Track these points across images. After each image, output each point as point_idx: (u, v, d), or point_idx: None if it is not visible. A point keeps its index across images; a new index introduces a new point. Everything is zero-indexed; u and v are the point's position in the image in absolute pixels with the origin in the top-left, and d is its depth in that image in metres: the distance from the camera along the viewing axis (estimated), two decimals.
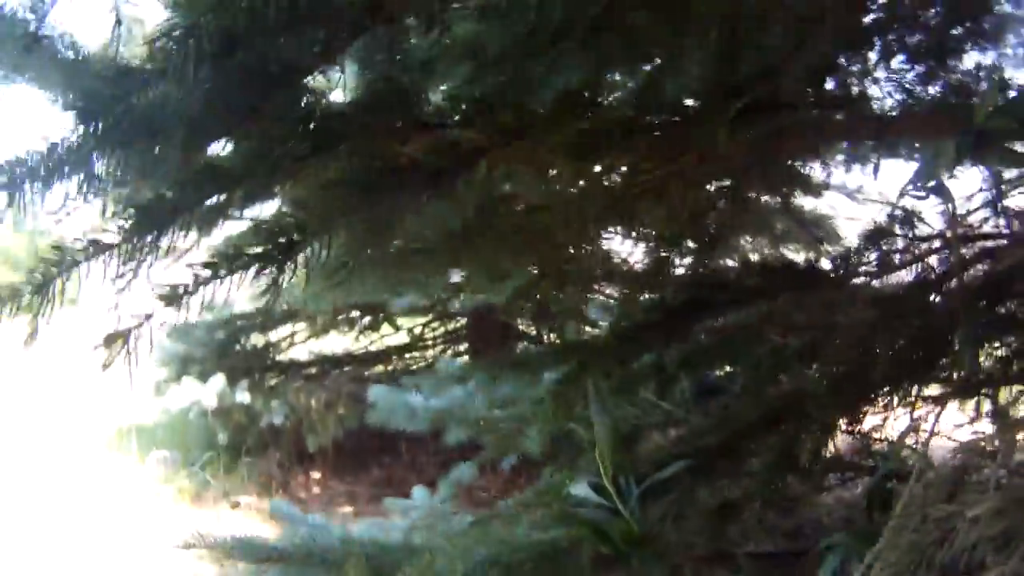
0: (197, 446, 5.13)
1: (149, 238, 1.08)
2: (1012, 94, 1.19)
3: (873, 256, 1.61)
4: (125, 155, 1.11)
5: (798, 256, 3.73)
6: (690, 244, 2.37)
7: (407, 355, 5.23)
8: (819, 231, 3.89)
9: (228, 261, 1.09)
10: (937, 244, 1.62)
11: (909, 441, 1.54)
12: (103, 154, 1.09)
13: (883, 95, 2.05)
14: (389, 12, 1.13)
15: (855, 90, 2.15)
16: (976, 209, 1.54)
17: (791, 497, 2.13)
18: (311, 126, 1.11)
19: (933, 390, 1.63)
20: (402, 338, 5.28)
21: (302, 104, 1.13)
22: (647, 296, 1.93)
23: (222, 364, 4.85)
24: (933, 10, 1.90)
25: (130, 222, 1.08)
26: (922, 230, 1.69)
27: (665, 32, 1.08)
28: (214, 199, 1.13)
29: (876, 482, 1.34)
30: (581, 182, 1.25)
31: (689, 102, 1.18)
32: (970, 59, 1.95)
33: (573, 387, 1.63)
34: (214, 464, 4.98)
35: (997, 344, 1.56)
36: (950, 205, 1.45)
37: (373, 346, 5.26)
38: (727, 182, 1.67)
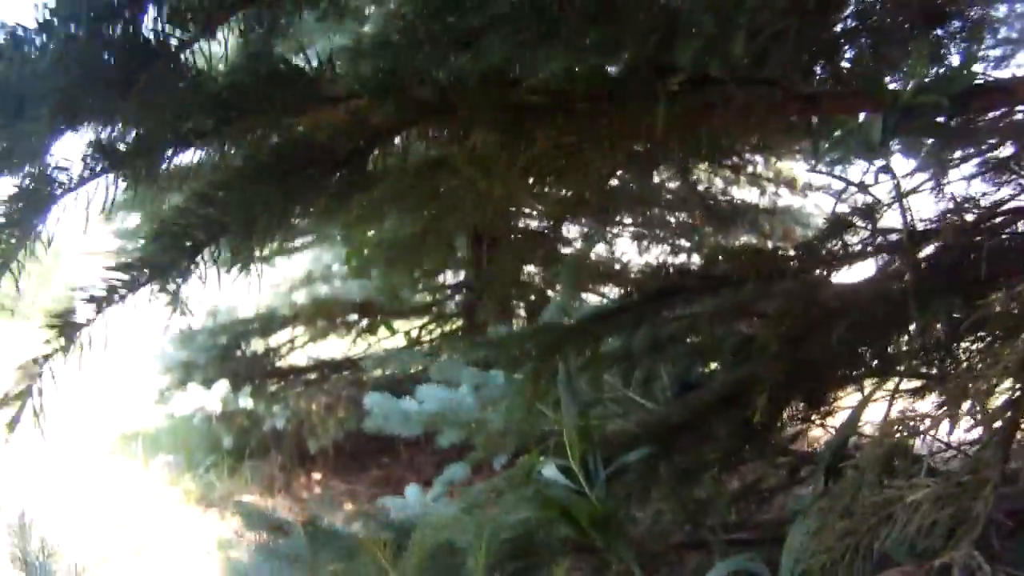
0: (201, 450, 5.24)
1: (33, 220, 1.03)
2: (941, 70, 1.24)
3: (836, 246, 1.66)
4: None
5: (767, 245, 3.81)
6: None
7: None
8: (802, 227, 3.97)
9: (128, 277, 1.03)
10: (896, 236, 1.68)
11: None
12: None
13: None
14: None
15: None
16: (921, 187, 1.60)
17: (767, 488, 2.20)
18: (205, 103, 1.05)
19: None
20: (399, 341, 5.36)
21: (183, 79, 1.06)
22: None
23: (224, 370, 4.93)
24: (902, 17, 1.96)
25: (10, 202, 1.03)
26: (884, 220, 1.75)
27: (596, 34, 1.11)
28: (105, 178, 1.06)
29: (826, 465, 1.38)
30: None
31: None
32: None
33: (547, 365, 1.68)
34: (218, 467, 5.07)
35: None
36: (895, 183, 1.51)
37: (371, 350, 5.31)
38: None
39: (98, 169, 1.09)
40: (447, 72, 1.11)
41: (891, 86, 1.25)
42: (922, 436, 1.07)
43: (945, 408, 1.07)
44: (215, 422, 4.83)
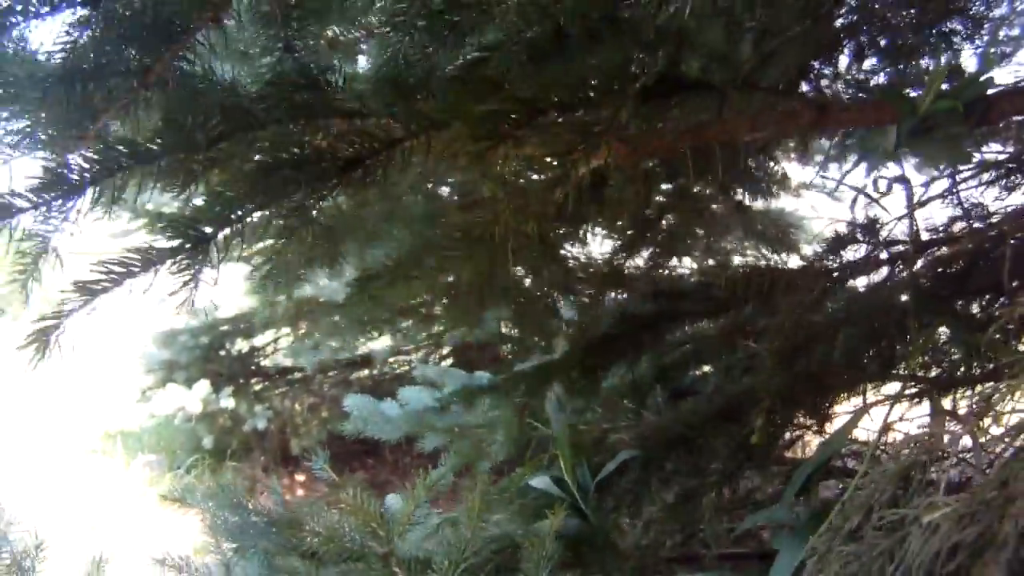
0: (182, 450, 5.16)
1: (58, 203, 1.04)
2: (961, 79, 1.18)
3: (837, 262, 1.60)
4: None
5: (771, 258, 3.74)
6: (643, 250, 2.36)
7: (391, 360, 5.21)
8: (797, 232, 3.90)
9: (141, 256, 1.05)
10: (900, 248, 1.63)
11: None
12: None
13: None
14: None
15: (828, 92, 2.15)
16: (934, 198, 1.55)
17: (762, 499, 2.13)
18: (222, 105, 1.08)
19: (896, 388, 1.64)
20: (385, 343, 5.27)
21: (194, 65, 1.09)
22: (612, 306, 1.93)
23: (207, 370, 4.85)
24: (904, 13, 1.91)
25: (38, 184, 1.03)
26: (890, 232, 1.70)
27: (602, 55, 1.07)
28: (125, 172, 1.07)
29: (802, 473, 1.31)
30: (523, 182, 1.21)
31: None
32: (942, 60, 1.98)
33: (535, 400, 1.62)
34: (199, 468, 5.00)
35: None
36: (908, 195, 1.45)
37: (357, 351, 5.23)
38: (677, 182, 1.64)
39: (121, 165, 1.09)
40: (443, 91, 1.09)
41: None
42: (941, 453, 0.99)
43: (963, 423, 1.00)
44: (196, 422, 4.75)
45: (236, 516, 1.73)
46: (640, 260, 2.52)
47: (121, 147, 1.07)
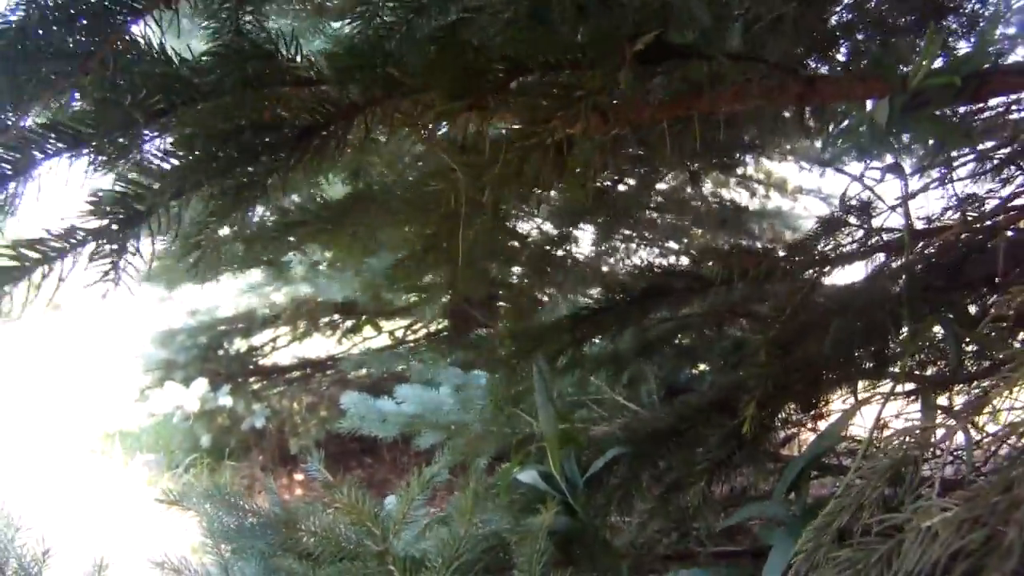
0: (181, 449, 5.16)
1: None
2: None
3: (829, 246, 1.59)
4: None
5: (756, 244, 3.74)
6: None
7: None
8: (794, 234, 3.91)
9: (61, 239, 0.92)
10: (893, 236, 1.62)
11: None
12: None
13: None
14: None
15: None
16: (928, 186, 1.54)
17: (757, 495, 2.13)
18: (165, 79, 0.98)
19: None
20: (384, 341, 5.27)
21: (140, 51, 1.00)
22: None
23: (205, 369, 4.86)
24: (899, 11, 1.91)
25: None
26: (881, 219, 1.69)
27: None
28: (59, 158, 0.96)
29: (794, 468, 1.29)
30: (472, 143, 1.15)
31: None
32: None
33: (523, 364, 1.60)
34: (198, 467, 5.00)
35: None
36: (902, 183, 1.44)
37: (355, 349, 5.23)
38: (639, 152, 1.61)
39: (55, 149, 0.99)
40: (409, 50, 1.04)
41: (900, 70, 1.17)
42: (933, 449, 0.98)
43: (957, 419, 0.98)
44: (193, 420, 4.75)
45: (233, 516, 1.73)
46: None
47: (46, 132, 0.97)
